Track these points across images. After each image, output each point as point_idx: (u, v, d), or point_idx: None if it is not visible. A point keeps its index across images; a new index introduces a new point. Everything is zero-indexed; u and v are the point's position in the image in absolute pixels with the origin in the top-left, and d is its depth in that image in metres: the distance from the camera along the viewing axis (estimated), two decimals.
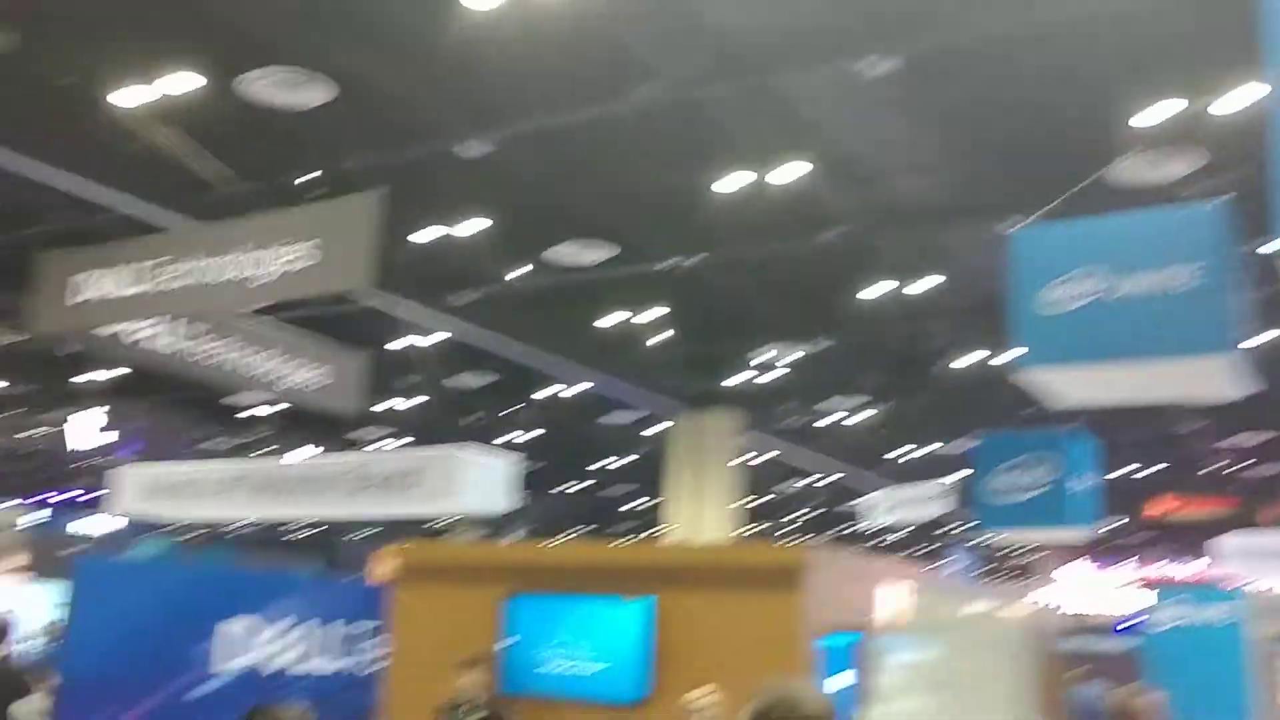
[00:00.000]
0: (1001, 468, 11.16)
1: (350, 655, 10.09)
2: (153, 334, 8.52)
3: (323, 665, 9.92)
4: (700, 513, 17.74)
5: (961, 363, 15.49)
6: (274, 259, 6.71)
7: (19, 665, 10.12)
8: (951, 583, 19.62)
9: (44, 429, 20.50)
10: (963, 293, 12.57)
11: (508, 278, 12.60)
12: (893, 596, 8.36)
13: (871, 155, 9.82)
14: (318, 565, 26.66)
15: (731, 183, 9.81)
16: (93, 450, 15.66)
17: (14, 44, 7.85)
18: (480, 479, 10.10)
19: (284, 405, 21.76)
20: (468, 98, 8.72)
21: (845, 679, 7.83)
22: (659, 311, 14.03)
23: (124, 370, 20.77)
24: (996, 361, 14.40)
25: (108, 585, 8.71)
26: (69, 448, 16.34)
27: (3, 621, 8.25)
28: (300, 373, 9.74)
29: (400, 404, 20.36)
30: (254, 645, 9.33)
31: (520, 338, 15.26)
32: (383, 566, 8.87)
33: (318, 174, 9.17)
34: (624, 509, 31.40)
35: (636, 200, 10.79)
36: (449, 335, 14.72)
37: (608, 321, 14.29)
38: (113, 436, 15.48)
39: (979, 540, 25.06)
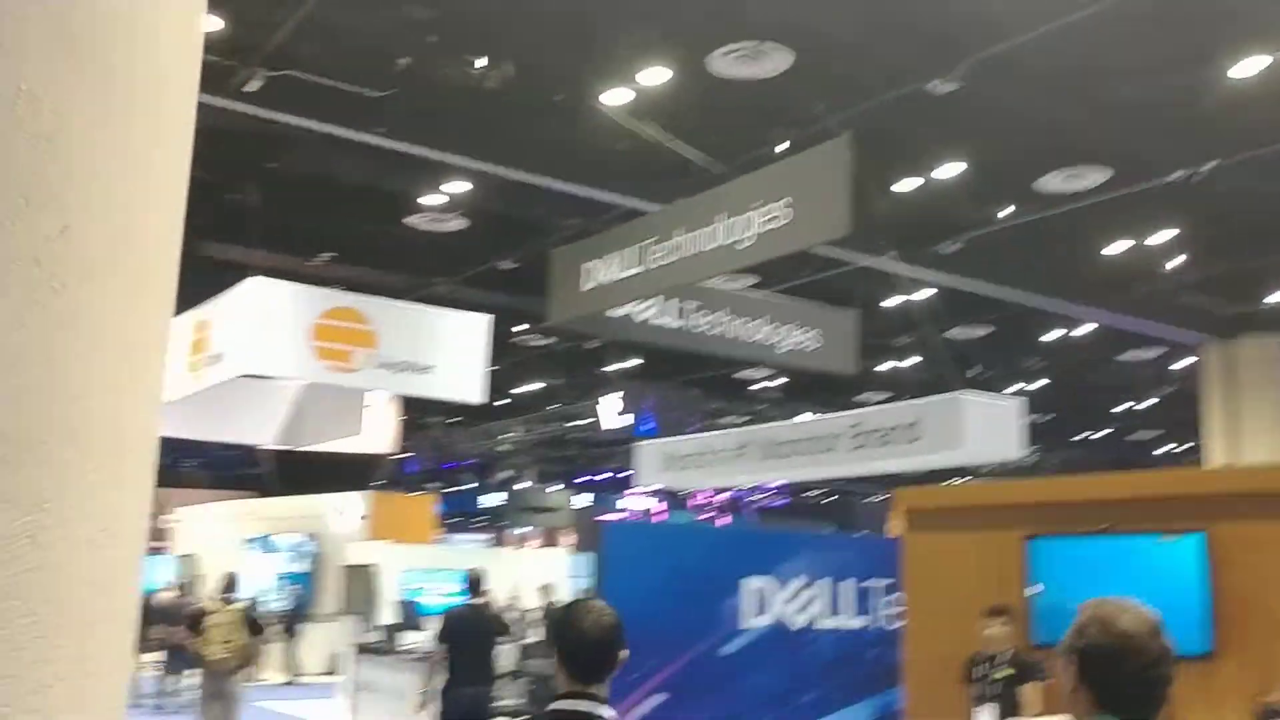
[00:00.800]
0: None
1: (872, 611, 10.21)
2: (656, 312, 9.17)
3: (846, 621, 10.14)
4: (1242, 454, 15.83)
5: None
6: (751, 222, 6.92)
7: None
8: None
9: (577, 420, 22.87)
10: None
11: (994, 219, 12.05)
12: None
13: None
14: (834, 527, 27.26)
15: (1246, 68, 8.60)
16: (619, 431, 17.27)
17: (511, 74, 8.80)
18: (986, 424, 9.72)
19: (786, 379, 22.69)
20: (926, 34, 8.43)
21: None
22: (1168, 234, 12.71)
23: (638, 360, 22.81)
24: None
25: (633, 548, 9.54)
26: (601, 430, 18.09)
27: (476, 573, 9.08)
28: (794, 336, 10.00)
29: (897, 365, 20.28)
30: (778, 602, 9.77)
31: (1015, 282, 14.54)
32: (896, 516, 8.81)
33: (786, 144, 9.33)
34: (1157, 453, 28.94)
35: (1128, 112, 9.82)
36: (939, 288, 14.38)
37: (1110, 252, 13.19)
38: (634, 417, 16.97)
39: None
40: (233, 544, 20.03)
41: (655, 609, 9.28)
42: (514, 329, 21.41)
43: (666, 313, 9.33)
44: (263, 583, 18.54)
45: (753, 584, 9.70)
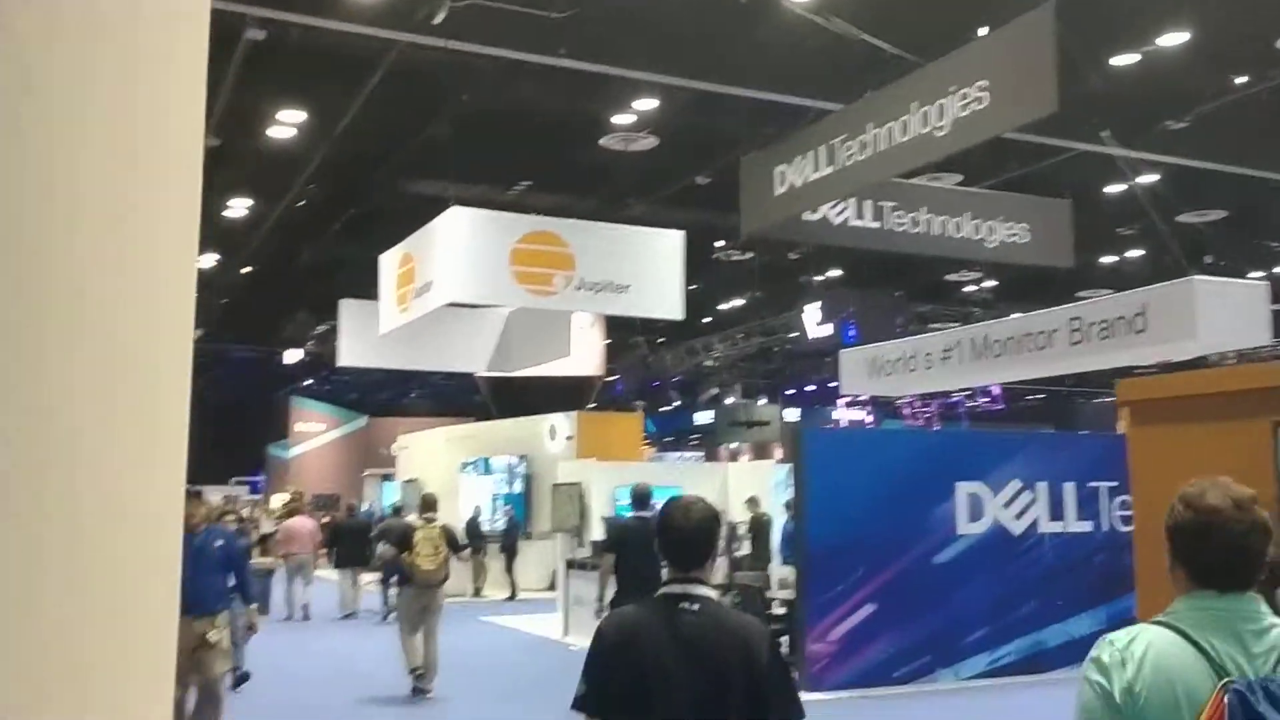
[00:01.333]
0: None
1: (1098, 514, 9.68)
2: (852, 214, 8.86)
3: (1070, 526, 9.68)
4: None
5: None
6: (947, 109, 6.52)
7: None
8: None
9: (782, 333, 22.56)
10: None
11: (1227, 89, 11.00)
12: None
13: None
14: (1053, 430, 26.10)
15: None
16: (825, 341, 16.95)
17: None
18: (1224, 309, 8.93)
19: (995, 282, 21.71)
20: None
21: None
22: None
23: (838, 271, 22.30)
24: None
25: (836, 455, 9.30)
26: (807, 340, 17.77)
27: (642, 488, 9.02)
28: (1002, 231, 9.47)
29: (1120, 259, 19.06)
30: (994, 507, 9.37)
31: (1253, 159, 13.31)
32: (1124, 410, 8.15)
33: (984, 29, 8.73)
34: None
35: None
36: (1165, 171, 13.34)
37: None
38: (838, 327, 16.58)
39: None
40: (451, 468, 20.85)
41: (861, 517, 8.96)
42: (715, 244, 21.31)
43: (864, 214, 9.00)
44: (480, 503, 19.34)
45: (967, 489, 9.35)
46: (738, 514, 15.02)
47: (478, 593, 18.66)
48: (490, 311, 15.54)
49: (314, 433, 32.47)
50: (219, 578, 7.01)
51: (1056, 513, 9.67)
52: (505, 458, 19.97)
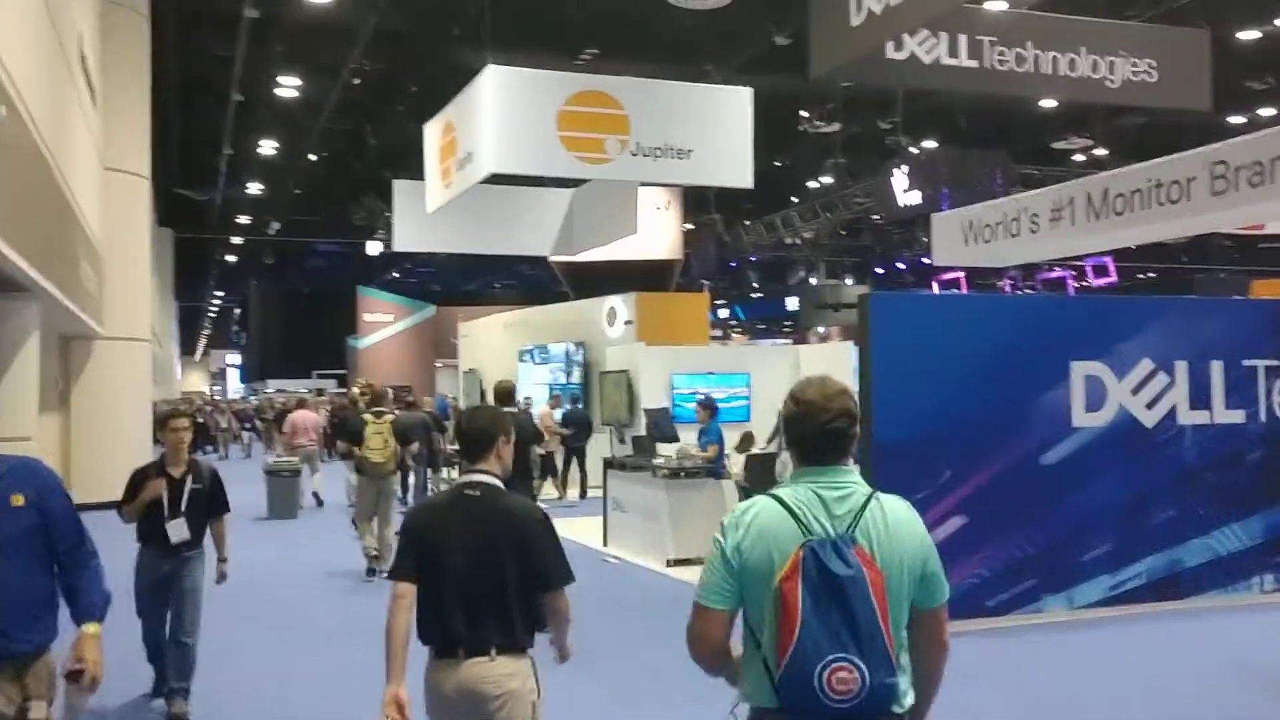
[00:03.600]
0: None
1: (1255, 400, 7.90)
2: (945, 49, 7.49)
3: (1217, 415, 7.80)
4: None
5: None
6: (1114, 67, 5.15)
7: None
8: None
9: (870, 206, 20.92)
10: None
11: None
12: None
13: None
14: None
15: None
16: (916, 210, 15.37)
17: None
18: None
19: (1105, 150, 19.81)
20: None
21: None
22: None
23: (932, 144, 20.58)
24: None
25: (912, 327, 7.26)
26: (894, 209, 16.17)
27: (505, 385, 8.93)
28: (1125, 68, 7.98)
29: (1245, 119, 17.12)
30: (1119, 392, 7.66)
31: None
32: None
33: None
34: None
35: None
36: None
37: None
38: (927, 194, 14.97)
39: None
40: (511, 356, 19.61)
41: (946, 406, 7.09)
42: (799, 115, 19.81)
43: (958, 50, 7.58)
44: (535, 393, 17.66)
45: (1085, 370, 7.37)
46: None
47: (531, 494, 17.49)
48: (554, 190, 14.49)
49: (383, 323, 31.98)
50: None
51: (1200, 399, 7.86)
52: (563, 344, 18.34)
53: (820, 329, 24.46)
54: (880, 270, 27.57)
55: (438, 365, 27.58)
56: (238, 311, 57.73)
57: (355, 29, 15.46)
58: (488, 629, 3.25)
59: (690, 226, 23.08)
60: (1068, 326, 7.70)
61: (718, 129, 9.83)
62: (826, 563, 2.28)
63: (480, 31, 13.77)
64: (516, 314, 21.60)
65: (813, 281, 24.89)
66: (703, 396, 11.51)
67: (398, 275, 40.49)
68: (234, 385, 57.73)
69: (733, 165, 9.89)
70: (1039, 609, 7.43)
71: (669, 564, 9.98)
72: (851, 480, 2.45)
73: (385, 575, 9.99)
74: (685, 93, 9.97)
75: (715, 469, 10.57)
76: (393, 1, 14.54)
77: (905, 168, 15.49)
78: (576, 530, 11.08)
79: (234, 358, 63.24)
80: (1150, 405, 7.67)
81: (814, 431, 2.45)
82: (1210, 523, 7.75)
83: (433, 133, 10.98)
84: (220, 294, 51.93)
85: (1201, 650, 6.81)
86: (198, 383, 60.45)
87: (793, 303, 32.34)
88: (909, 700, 2.38)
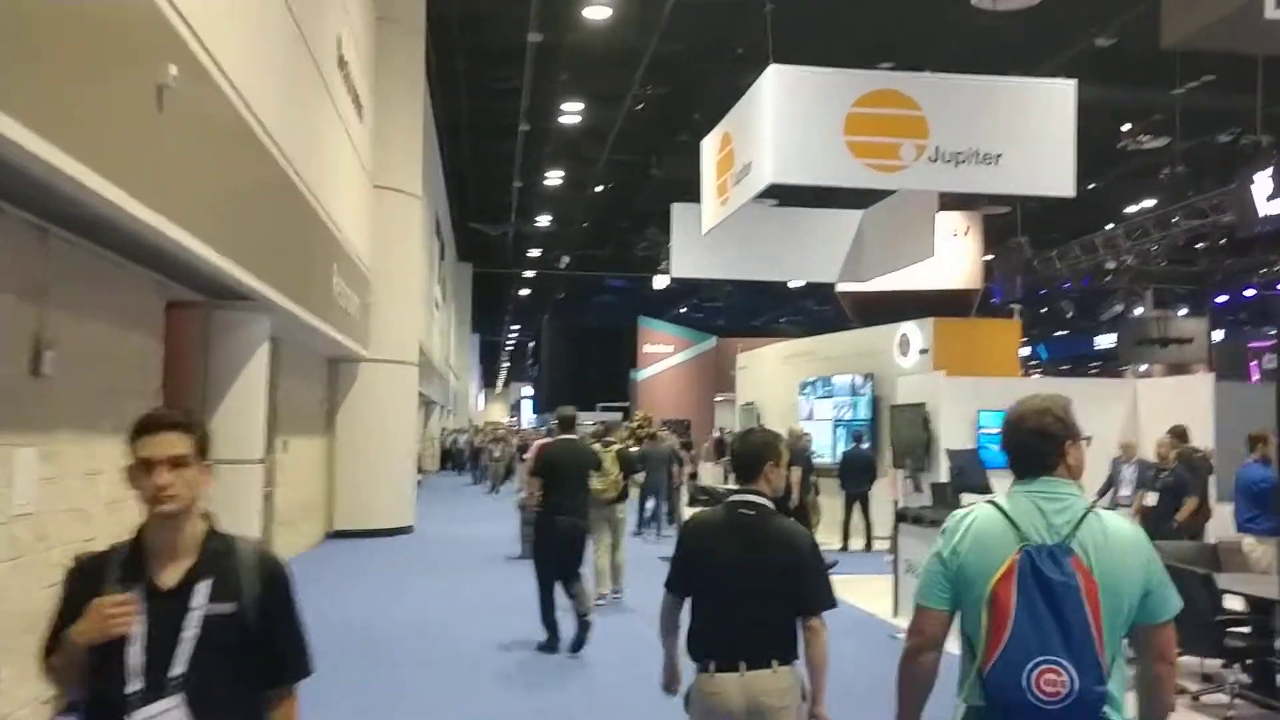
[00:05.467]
0: None
1: None
2: None
3: None
4: None
5: None
6: None
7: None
8: None
9: (1211, 217, 18.19)
10: None
11: None
12: None
13: None
14: None
15: None
16: (1275, 220, 12.88)
17: None
18: None
19: None
20: None
21: None
22: None
23: None
24: None
25: None
26: (1253, 221, 13.51)
27: (566, 413, 8.76)
28: None
29: None
30: None
31: None
32: None
33: None
34: None
35: None
36: None
37: None
38: None
39: None
40: (791, 388, 18.29)
41: None
42: (1119, 130, 17.76)
43: None
44: (817, 430, 16.22)
45: None
46: (1153, 451, 11.53)
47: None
48: (842, 211, 13.42)
49: (662, 354, 31.53)
50: None
51: None
52: (848, 376, 16.67)
53: (1142, 367, 21.82)
54: (1222, 299, 24.16)
55: (717, 399, 26.82)
56: (532, 345, 59.85)
57: (637, 51, 15.09)
58: (764, 642, 3.35)
59: (990, 257, 21.27)
60: None
61: (1033, 129, 8.50)
62: (1041, 567, 2.38)
63: (763, 49, 12.97)
64: (797, 343, 20.21)
65: (1138, 312, 22.21)
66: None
67: (684, 310, 40.41)
68: (527, 417, 59.75)
69: (1051, 170, 8.51)
70: None
71: None
72: (1069, 492, 2.54)
73: (614, 594, 10.03)
74: (993, 88, 8.70)
75: None
76: (673, 20, 14.03)
77: (1270, 169, 13.10)
78: (860, 594, 9.74)
79: (528, 390, 65.61)
80: None
81: (1015, 444, 2.62)
82: None
83: (709, 147, 10.22)
84: (516, 328, 53.99)
85: None
86: (498, 413, 63.18)
87: (1105, 340, 29.41)
88: (1123, 713, 2.41)
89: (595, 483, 9.34)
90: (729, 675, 3.29)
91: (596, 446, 10.04)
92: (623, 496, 10.44)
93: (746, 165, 9.00)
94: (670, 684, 3.63)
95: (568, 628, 7.91)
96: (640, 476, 11.43)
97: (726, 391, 23.96)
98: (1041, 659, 2.29)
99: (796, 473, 11.54)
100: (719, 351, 27.99)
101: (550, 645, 7.87)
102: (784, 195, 12.47)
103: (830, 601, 3.42)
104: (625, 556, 10.46)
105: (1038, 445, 2.55)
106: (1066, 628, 2.31)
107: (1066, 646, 2.30)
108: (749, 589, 3.34)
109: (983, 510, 2.55)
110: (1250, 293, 23.38)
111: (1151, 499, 10.19)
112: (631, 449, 12.07)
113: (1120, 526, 2.51)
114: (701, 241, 11.73)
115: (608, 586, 10.12)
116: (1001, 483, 9.18)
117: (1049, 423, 2.57)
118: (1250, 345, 21.15)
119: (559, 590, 7.90)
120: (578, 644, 7.79)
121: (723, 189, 9.77)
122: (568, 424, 8.65)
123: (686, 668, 3.46)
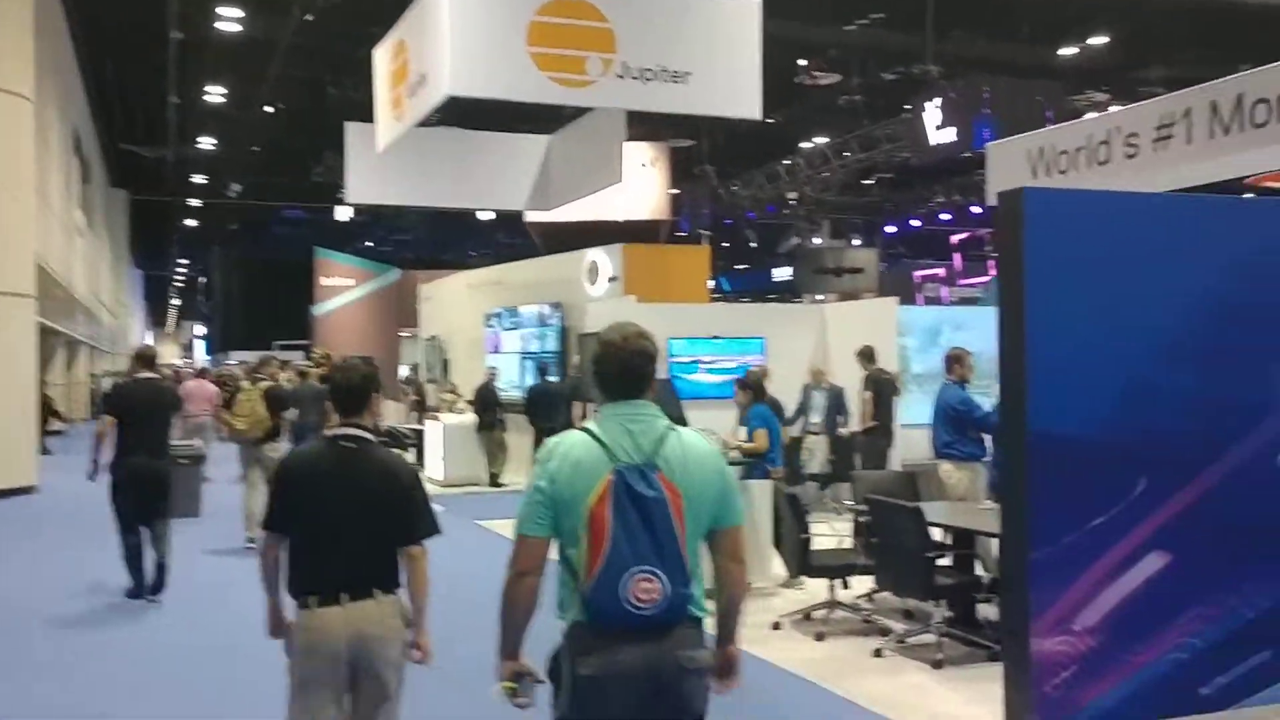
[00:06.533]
0: None
1: None
2: None
3: None
4: None
5: None
6: None
7: None
8: None
9: (884, 147, 18.98)
10: None
11: None
12: None
13: None
14: None
15: None
16: (945, 148, 13.52)
17: None
18: None
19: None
20: None
21: None
22: None
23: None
24: None
25: (1091, 245, 4.14)
26: (925, 150, 14.04)
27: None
28: None
29: None
30: None
31: None
32: None
33: None
34: None
35: None
36: None
37: None
38: (963, 129, 13.12)
39: None
40: (477, 321, 17.64)
41: (1146, 382, 4.17)
42: (797, 63, 18.16)
43: None
44: (504, 364, 16.01)
45: None
46: (844, 375, 11.71)
47: (494, 480, 15.10)
48: (528, 137, 12.82)
49: (342, 288, 29.83)
50: None
51: None
52: (536, 306, 16.05)
53: (819, 297, 22.81)
54: (891, 230, 25.46)
55: (402, 334, 25.72)
56: (203, 281, 55.82)
57: None
58: (366, 573, 3.37)
59: (677, 192, 21.42)
60: None
61: (721, 48, 8.21)
62: (633, 485, 2.61)
63: None
64: (482, 273, 19.27)
65: (817, 241, 23.09)
66: (755, 368, 9.68)
67: (370, 244, 38.64)
68: (201, 357, 55.89)
69: (739, 92, 8.26)
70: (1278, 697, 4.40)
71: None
72: (652, 413, 2.77)
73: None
74: (681, 2, 8.34)
75: (762, 465, 8.24)
76: None
77: (938, 100, 13.63)
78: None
79: (201, 329, 61.36)
80: None
81: (615, 370, 2.79)
82: None
83: (382, 57, 9.32)
84: (185, 262, 50.03)
85: None
86: (170, 355, 58.60)
87: (783, 273, 30.65)
88: (705, 610, 2.72)
89: (238, 423, 9.67)
90: (331, 609, 3.29)
91: (245, 383, 10.04)
92: (272, 435, 10.14)
93: (422, 76, 8.19)
94: (276, 628, 3.53)
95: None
96: (293, 414, 10.55)
97: (411, 326, 22.95)
98: (637, 568, 2.53)
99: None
100: (403, 284, 26.74)
101: (134, 591, 7.88)
102: (471, 120, 11.71)
103: (431, 529, 3.46)
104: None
105: (642, 366, 2.77)
106: (658, 539, 2.56)
107: (659, 556, 2.55)
108: (349, 520, 3.34)
109: (576, 436, 2.73)
110: (916, 223, 24.86)
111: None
112: (286, 386, 11.22)
113: (697, 442, 2.75)
114: (379, 164, 10.85)
115: (256, 530, 9.21)
116: (696, 415, 8.77)
117: (647, 345, 2.81)
118: (914, 275, 22.57)
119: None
120: (156, 588, 7.90)
121: (398, 102, 8.92)
122: (147, 361, 8.36)
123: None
